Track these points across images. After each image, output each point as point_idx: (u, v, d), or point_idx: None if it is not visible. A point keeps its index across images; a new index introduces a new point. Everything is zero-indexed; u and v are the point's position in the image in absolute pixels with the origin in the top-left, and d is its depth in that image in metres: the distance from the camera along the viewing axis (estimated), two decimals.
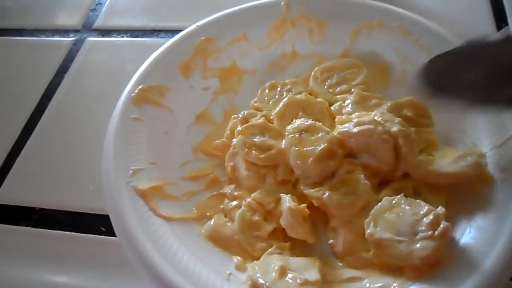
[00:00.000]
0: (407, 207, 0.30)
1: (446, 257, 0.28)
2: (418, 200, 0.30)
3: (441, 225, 0.28)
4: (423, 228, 0.28)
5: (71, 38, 0.52)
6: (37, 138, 0.43)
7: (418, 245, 0.28)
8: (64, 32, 0.53)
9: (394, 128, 0.32)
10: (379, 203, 0.30)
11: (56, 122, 0.44)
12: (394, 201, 0.30)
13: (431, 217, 0.28)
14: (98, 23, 0.53)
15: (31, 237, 0.37)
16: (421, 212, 0.29)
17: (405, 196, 0.31)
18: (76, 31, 0.53)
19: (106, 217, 0.32)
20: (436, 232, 0.28)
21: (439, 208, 0.29)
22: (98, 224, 0.36)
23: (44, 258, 0.36)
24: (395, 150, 0.32)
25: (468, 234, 0.30)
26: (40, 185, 0.40)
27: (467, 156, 0.32)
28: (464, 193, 0.32)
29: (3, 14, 0.56)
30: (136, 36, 0.51)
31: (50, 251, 0.36)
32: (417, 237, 0.28)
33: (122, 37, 0.51)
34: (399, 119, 0.33)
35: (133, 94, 0.37)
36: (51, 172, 0.40)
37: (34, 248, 0.36)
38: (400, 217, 0.29)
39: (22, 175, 0.41)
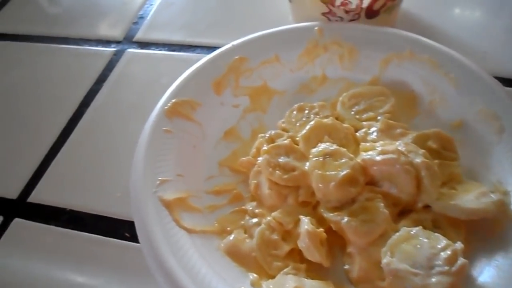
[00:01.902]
0: (425, 240, 0.30)
1: None
2: (436, 234, 0.30)
3: (458, 261, 0.28)
4: (440, 262, 0.28)
5: (112, 49, 0.54)
6: (73, 142, 0.45)
7: (433, 279, 0.28)
8: (107, 42, 0.55)
9: (417, 160, 0.32)
10: (397, 233, 0.30)
11: (92, 129, 0.46)
12: (412, 233, 0.30)
13: (448, 252, 0.28)
14: (139, 35, 0.55)
15: (59, 236, 0.39)
16: (439, 246, 0.29)
17: (424, 228, 0.31)
18: (117, 42, 0.55)
19: (131, 224, 0.33)
20: (453, 268, 0.28)
21: (458, 243, 0.29)
22: (123, 229, 0.38)
23: (68, 257, 0.37)
24: (417, 181, 0.32)
25: (486, 273, 0.30)
26: (72, 187, 0.42)
27: (491, 193, 0.32)
28: (486, 230, 0.31)
29: (52, 22, 0.59)
30: (173, 50, 0.53)
31: (75, 251, 0.37)
32: (433, 271, 0.28)
33: (160, 50, 0.53)
34: (423, 150, 0.33)
35: (166, 107, 0.38)
36: (84, 176, 0.42)
37: (60, 247, 0.38)
38: (417, 249, 0.29)
39: (56, 176, 0.43)
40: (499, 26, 0.49)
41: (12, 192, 0.42)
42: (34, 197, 0.42)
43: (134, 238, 0.33)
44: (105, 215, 0.39)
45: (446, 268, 0.28)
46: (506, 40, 0.47)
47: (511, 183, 0.33)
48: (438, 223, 0.32)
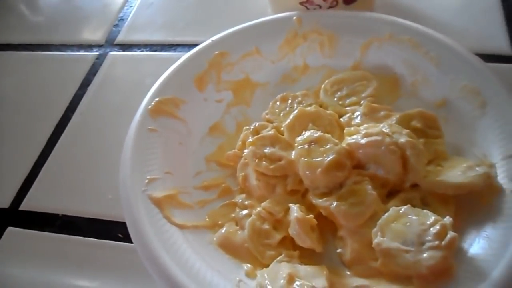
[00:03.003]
0: (414, 217, 0.30)
1: (454, 267, 0.28)
2: (425, 210, 0.30)
3: (448, 235, 0.28)
4: (430, 238, 0.28)
5: (94, 53, 0.54)
6: (61, 148, 0.45)
7: (425, 255, 0.28)
8: (89, 47, 0.55)
9: (402, 139, 0.32)
10: (386, 213, 0.31)
11: (79, 133, 0.46)
12: (401, 211, 0.30)
13: (438, 227, 0.29)
14: (120, 38, 0.55)
15: (54, 242, 0.39)
16: (428, 222, 0.29)
17: (413, 206, 0.31)
18: (99, 46, 0.55)
19: (124, 224, 0.33)
20: (443, 242, 0.28)
21: (446, 218, 0.29)
22: (116, 231, 0.38)
23: (64, 262, 0.37)
24: (403, 161, 0.32)
25: (477, 244, 0.30)
26: (63, 192, 0.42)
27: (476, 166, 0.32)
28: (474, 203, 0.32)
29: (35, 30, 0.59)
30: (155, 50, 0.53)
31: (71, 255, 0.38)
32: (424, 247, 0.28)
33: (142, 51, 0.53)
34: (407, 130, 0.33)
35: (150, 107, 0.38)
36: (74, 180, 0.42)
37: (55, 252, 0.38)
38: (407, 227, 0.30)
39: (47, 183, 0.43)
40: (478, 4, 0.49)
41: (3, 201, 0.42)
42: (26, 205, 0.42)
43: (127, 238, 0.33)
44: (97, 217, 0.39)
45: (437, 242, 0.28)
46: (485, 18, 0.47)
47: (496, 155, 0.33)
48: (427, 201, 0.33)
